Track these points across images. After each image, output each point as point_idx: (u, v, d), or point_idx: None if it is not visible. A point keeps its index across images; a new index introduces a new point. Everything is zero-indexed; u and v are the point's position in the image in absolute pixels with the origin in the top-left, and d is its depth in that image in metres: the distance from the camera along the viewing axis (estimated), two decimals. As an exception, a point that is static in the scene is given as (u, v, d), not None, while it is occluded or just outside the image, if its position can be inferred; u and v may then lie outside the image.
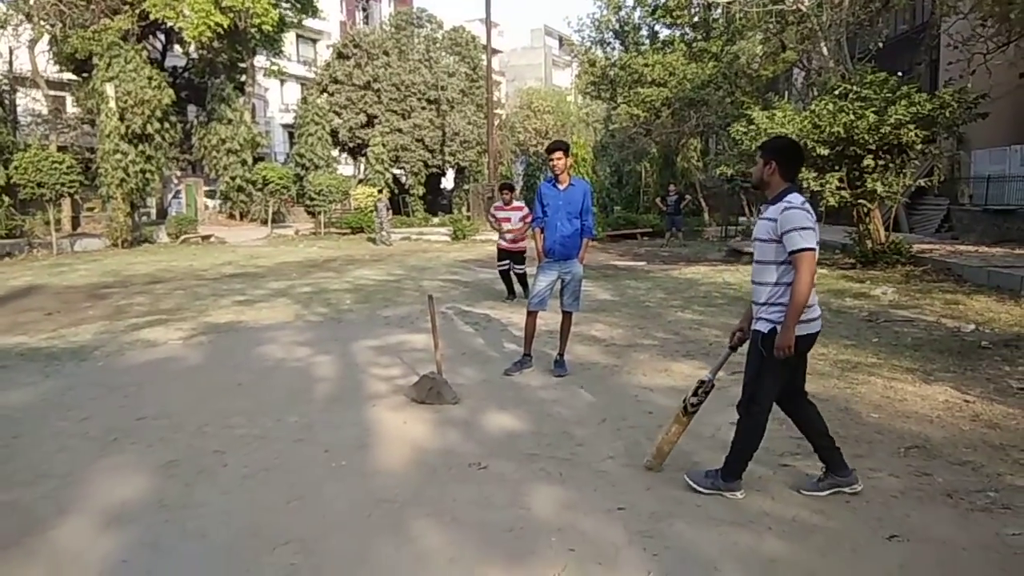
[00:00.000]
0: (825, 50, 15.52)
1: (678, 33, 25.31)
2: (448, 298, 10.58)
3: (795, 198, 3.40)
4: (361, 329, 8.16)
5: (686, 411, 3.83)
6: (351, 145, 33.42)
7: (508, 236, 9.97)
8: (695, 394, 3.78)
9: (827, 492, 3.61)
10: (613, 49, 29.48)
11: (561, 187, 5.97)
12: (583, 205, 5.97)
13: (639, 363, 6.39)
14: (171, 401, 5.48)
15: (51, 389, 5.91)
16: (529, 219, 9.18)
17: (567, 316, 6.10)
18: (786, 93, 20.83)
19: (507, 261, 10.17)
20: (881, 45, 17.67)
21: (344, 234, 26.38)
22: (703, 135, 24.16)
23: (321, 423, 4.92)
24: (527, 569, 2.97)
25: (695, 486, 3.65)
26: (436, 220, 31.19)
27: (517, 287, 10.32)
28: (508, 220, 10.03)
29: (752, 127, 11.90)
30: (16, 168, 19.24)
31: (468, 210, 29.55)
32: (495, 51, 59.66)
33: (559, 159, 5.82)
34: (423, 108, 32.75)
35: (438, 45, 34.27)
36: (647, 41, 27.08)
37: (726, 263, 15.06)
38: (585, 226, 5.99)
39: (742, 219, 23.39)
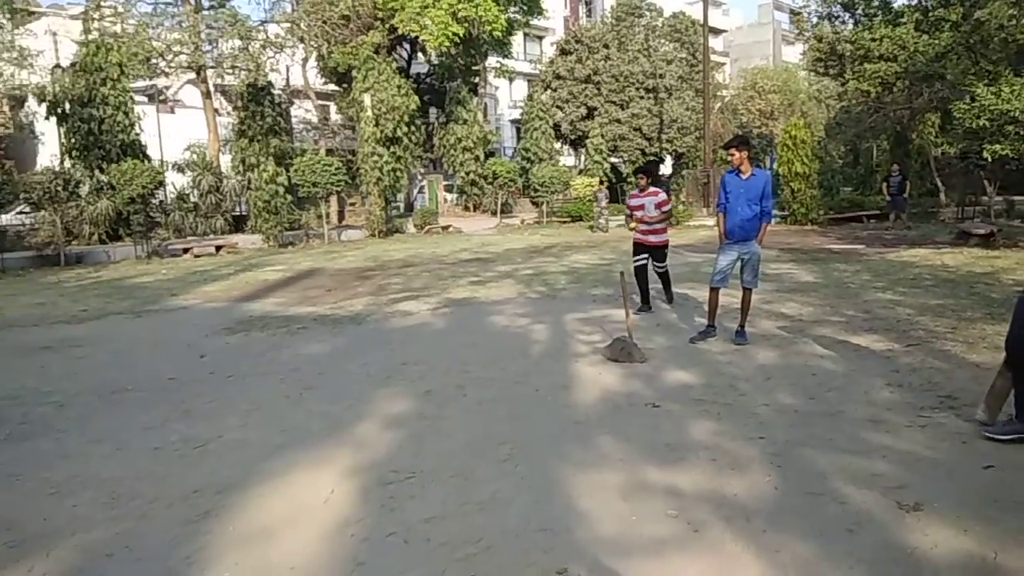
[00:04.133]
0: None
1: (913, 1, 23.72)
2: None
3: None
4: (572, 304, 9.45)
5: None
6: (572, 137, 35.07)
7: (642, 226, 8.69)
8: None
9: (1008, 437, 4.06)
10: (843, 23, 28.18)
11: (743, 176, 6.79)
12: (763, 192, 6.74)
13: (819, 336, 7.01)
14: (424, 353, 7.13)
15: (339, 344, 7.83)
16: (666, 206, 8.66)
17: (747, 292, 6.90)
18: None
19: (644, 255, 8.74)
20: None
21: (564, 222, 28.03)
22: (939, 110, 22.49)
23: (534, 371, 6.24)
24: (676, 468, 4.02)
25: (995, 436, 4.10)
26: (653, 207, 31.88)
27: (652, 298, 8.92)
28: (642, 207, 8.63)
29: (975, 104, 11.47)
30: (296, 171, 23.00)
31: (686, 196, 29.91)
32: (718, 31, 58.56)
33: (733, 155, 6.67)
34: (641, 97, 33.52)
35: (657, 33, 34.80)
36: (879, 12, 25.59)
37: (952, 245, 14.41)
38: (764, 211, 6.77)
39: (983, 199, 21.57)
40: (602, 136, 32.35)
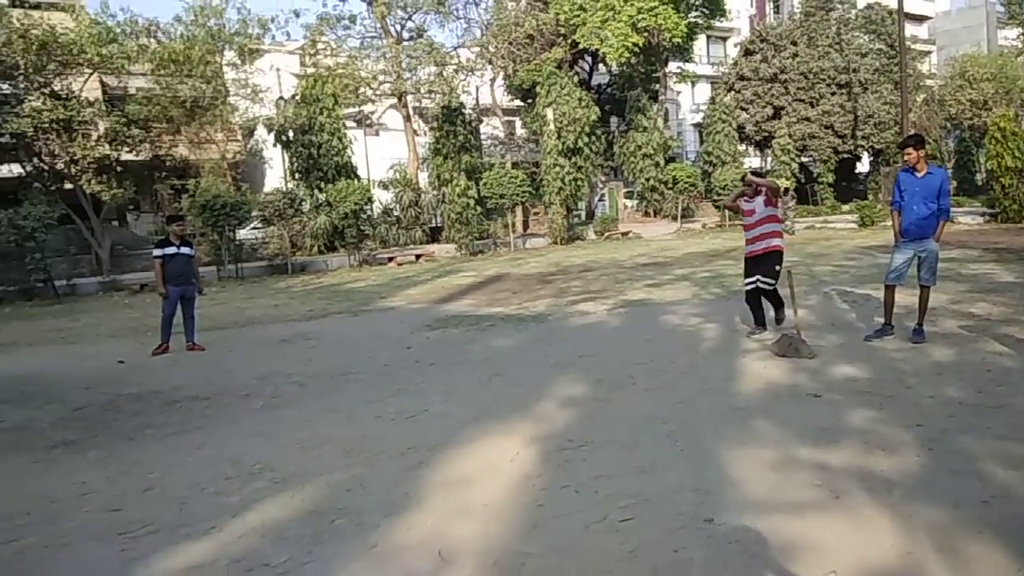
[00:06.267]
0: None
1: None
2: (835, 280, 11.41)
3: None
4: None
5: None
6: (757, 139, 34.13)
7: (746, 235, 7.73)
8: None
9: None
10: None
11: (918, 175, 6.79)
12: (940, 190, 6.70)
13: (1003, 335, 6.80)
14: (599, 347, 7.77)
15: (523, 339, 8.67)
16: (771, 203, 7.54)
17: (924, 289, 6.86)
18: None
19: (755, 278, 7.60)
20: None
21: (749, 226, 27.46)
22: None
23: (701, 365, 6.67)
24: (827, 448, 4.34)
25: None
26: (845, 208, 30.32)
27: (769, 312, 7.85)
28: (752, 212, 7.63)
29: None
30: (484, 184, 24.57)
31: (882, 195, 28.19)
32: (921, 18, 54.06)
33: (909, 154, 6.68)
34: (832, 94, 31.96)
35: (850, 26, 33.04)
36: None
37: None
38: (941, 208, 6.71)
39: None
40: (790, 136, 31.25)
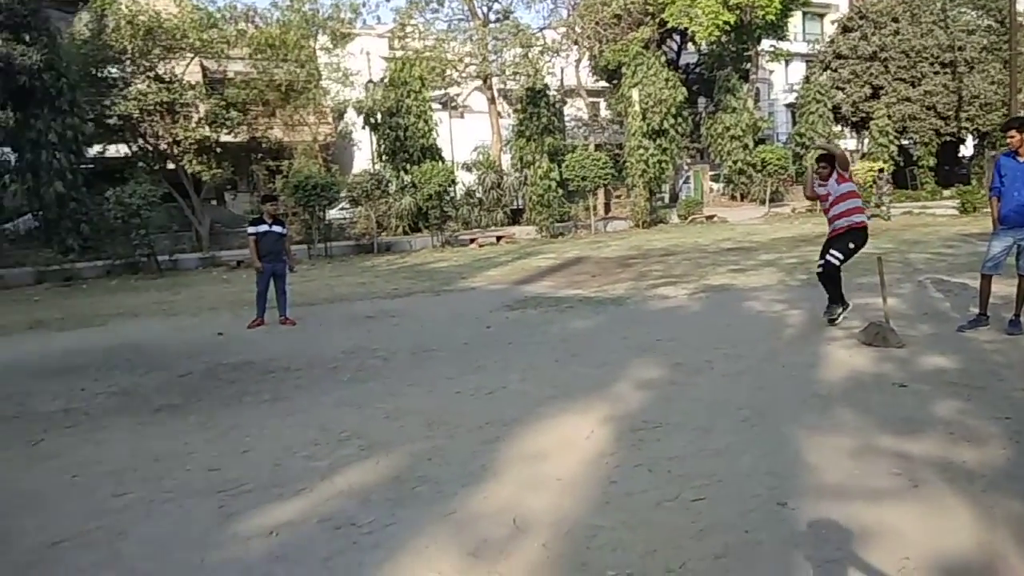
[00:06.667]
0: None
1: None
2: (931, 269, 10.95)
3: None
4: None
5: None
6: (854, 120, 32.81)
7: (829, 216, 7.47)
8: None
9: None
10: None
11: (1022, 159, 6.45)
12: (1046, 175, 6.35)
13: (1113, 328, 6.44)
14: (678, 331, 7.75)
15: (601, 321, 8.72)
16: (844, 179, 7.27)
17: (1023, 279, 6.54)
18: None
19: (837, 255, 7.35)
20: None
21: (841, 211, 26.47)
22: None
23: (784, 351, 6.58)
24: (909, 438, 4.25)
25: None
26: (946, 193, 28.82)
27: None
28: (827, 196, 7.39)
29: None
30: (567, 166, 24.52)
31: (986, 180, 26.65)
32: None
33: (1013, 136, 6.35)
34: (935, 73, 30.37)
35: (956, 2, 31.20)
36: None
37: None
38: (1044, 195, 6.37)
39: None
40: (889, 117, 29.90)
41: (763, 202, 29.13)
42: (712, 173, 34.88)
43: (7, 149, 21.54)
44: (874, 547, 3.06)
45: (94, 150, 22.21)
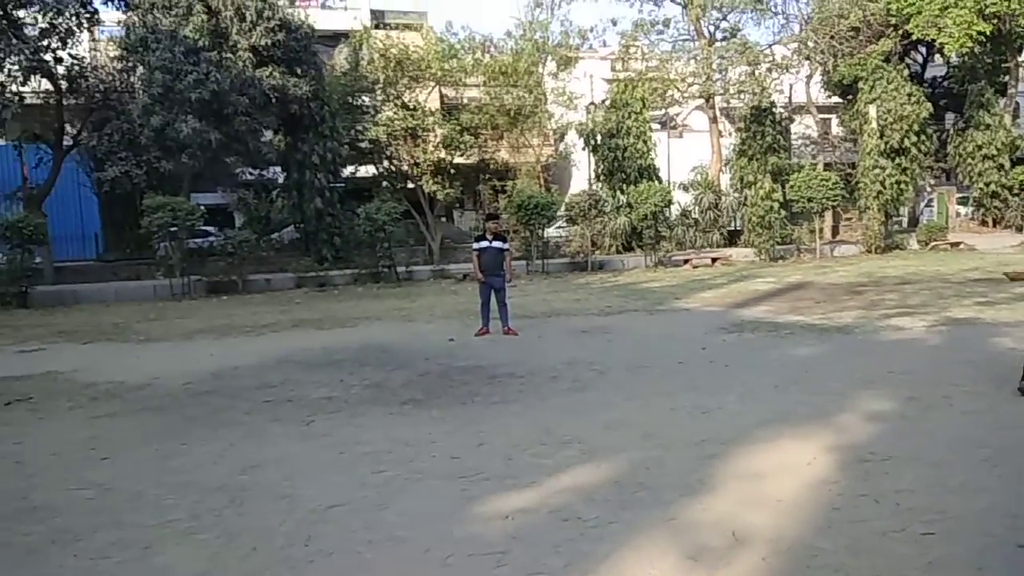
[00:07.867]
0: None
1: None
2: None
3: None
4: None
5: None
6: None
7: None
8: None
9: None
10: None
11: None
12: None
13: None
14: (913, 364, 7.32)
15: (825, 349, 8.42)
16: None
17: None
18: None
19: None
20: None
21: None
22: None
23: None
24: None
25: None
26: None
27: None
28: None
29: None
30: (791, 187, 23.53)
31: None
32: None
33: None
34: None
35: None
36: None
37: None
38: None
39: None
40: None
41: (1019, 229, 25.92)
42: (959, 196, 31.57)
43: (277, 168, 24.94)
44: None
45: (347, 171, 24.98)
